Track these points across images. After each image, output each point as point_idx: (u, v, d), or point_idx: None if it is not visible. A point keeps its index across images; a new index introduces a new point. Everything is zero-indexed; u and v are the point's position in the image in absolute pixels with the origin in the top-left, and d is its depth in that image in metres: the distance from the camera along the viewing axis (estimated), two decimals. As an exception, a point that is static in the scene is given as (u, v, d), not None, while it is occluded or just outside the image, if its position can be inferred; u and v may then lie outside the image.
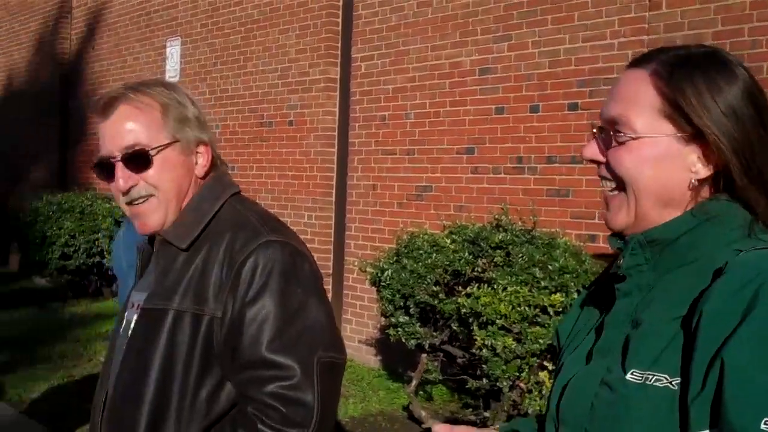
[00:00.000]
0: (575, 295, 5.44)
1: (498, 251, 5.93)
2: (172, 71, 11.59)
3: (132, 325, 2.11)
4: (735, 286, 1.42)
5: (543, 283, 5.57)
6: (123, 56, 12.94)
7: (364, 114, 8.87)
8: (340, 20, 9.20)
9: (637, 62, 1.66)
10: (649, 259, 1.62)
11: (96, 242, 11.16)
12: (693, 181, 1.59)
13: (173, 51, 11.62)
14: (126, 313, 2.19)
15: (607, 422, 1.53)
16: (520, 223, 6.31)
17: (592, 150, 1.66)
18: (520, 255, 5.78)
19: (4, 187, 15.60)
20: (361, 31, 8.91)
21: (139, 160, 2.04)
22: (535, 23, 7.29)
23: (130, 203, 2.09)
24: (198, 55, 11.16)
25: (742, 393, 1.33)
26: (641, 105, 1.60)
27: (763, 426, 1.31)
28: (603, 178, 1.65)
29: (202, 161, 2.16)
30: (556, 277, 5.56)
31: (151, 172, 2.06)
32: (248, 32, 10.28)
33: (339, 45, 9.22)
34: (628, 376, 1.51)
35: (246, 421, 1.93)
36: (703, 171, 1.59)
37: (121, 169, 2.05)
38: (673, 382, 1.45)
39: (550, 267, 5.62)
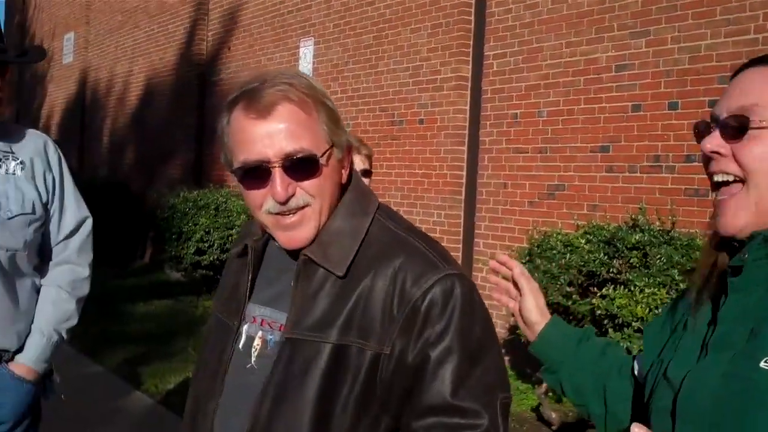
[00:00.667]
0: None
1: (634, 252, 5.79)
2: (305, 71, 11.73)
3: (257, 347, 1.93)
4: None
5: (682, 286, 5.39)
6: (257, 56, 13.20)
7: (495, 112, 8.79)
8: (472, 18, 9.14)
9: (756, 62, 1.68)
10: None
11: (230, 238, 11.40)
12: None
13: (306, 51, 11.79)
14: (245, 327, 1.97)
15: (739, 412, 1.52)
16: (657, 223, 6.13)
17: (717, 141, 1.63)
18: (658, 256, 5.62)
19: (142, 183, 16.16)
20: (494, 28, 8.83)
21: (304, 167, 1.83)
22: (674, 18, 7.08)
23: (279, 213, 1.85)
24: (330, 55, 11.28)
25: None
26: None
27: None
28: (721, 172, 1.63)
29: (345, 165, 1.95)
30: (696, 279, 5.37)
31: (313, 181, 1.84)
32: (380, 32, 10.33)
33: (471, 43, 9.16)
34: (762, 364, 1.50)
35: None
36: None
37: (280, 177, 1.81)
38: None
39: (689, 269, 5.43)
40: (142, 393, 7.55)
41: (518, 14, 8.55)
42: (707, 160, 1.68)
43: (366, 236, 1.89)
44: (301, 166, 1.82)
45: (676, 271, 5.46)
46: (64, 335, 3.23)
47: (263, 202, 1.85)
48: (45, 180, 3.18)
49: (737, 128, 1.62)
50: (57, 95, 22.04)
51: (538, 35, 8.32)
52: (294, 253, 1.93)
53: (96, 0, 19.84)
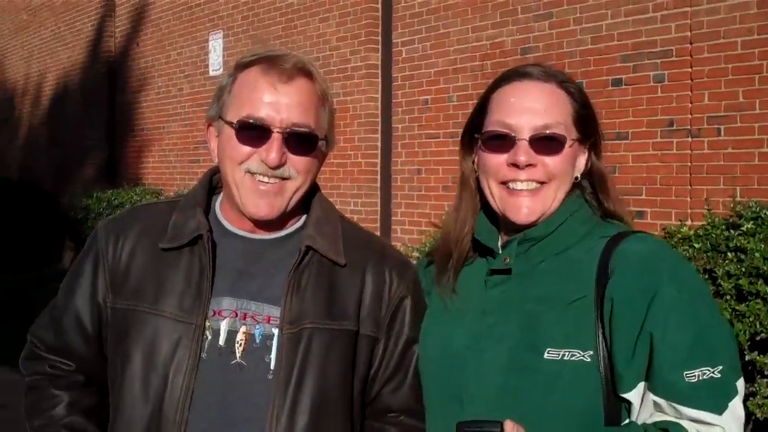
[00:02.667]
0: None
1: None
2: (215, 64, 11.65)
3: (240, 341, 1.88)
4: (634, 273, 1.72)
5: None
6: (167, 51, 13.03)
7: (406, 99, 8.84)
8: (380, 5, 9.16)
9: (531, 76, 1.91)
10: (522, 252, 1.85)
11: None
12: (575, 178, 1.92)
13: (216, 44, 11.68)
14: (222, 323, 1.89)
15: (531, 398, 1.72)
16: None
17: (531, 155, 1.84)
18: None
19: (55, 184, 15.84)
20: (401, 15, 8.87)
21: (302, 142, 1.95)
22: (575, 0, 7.20)
23: (259, 176, 1.93)
24: (240, 48, 11.19)
25: (668, 356, 1.66)
26: (566, 115, 1.89)
27: (686, 379, 1.64)
28: (531, 180, 1.85)
29: (322, 163, 2.12)
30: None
31: (304, 159, 1.99)
32: (289, 22, 10.29)
33: (379, 31, 9.19)
34: (546, 356, 1.72)
35: None
36: (578, 170, 1.93)
37: (278, 142, 1.93)
38: (585, 356, 1.71)
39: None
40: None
41: (424, 0, 8.60)
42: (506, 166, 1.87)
43: (342, 230, 2.03)
44: (300, 141, 1.91)
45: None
46: None
47: (247, 159, 1.90)
48: None
49: (553, 145, 1.84)
50: (-37, 98, 21.47)
51: (445, 21, 8.38)
52: (263, 242, 1.99)
53: (-1, -1, 19.41)
